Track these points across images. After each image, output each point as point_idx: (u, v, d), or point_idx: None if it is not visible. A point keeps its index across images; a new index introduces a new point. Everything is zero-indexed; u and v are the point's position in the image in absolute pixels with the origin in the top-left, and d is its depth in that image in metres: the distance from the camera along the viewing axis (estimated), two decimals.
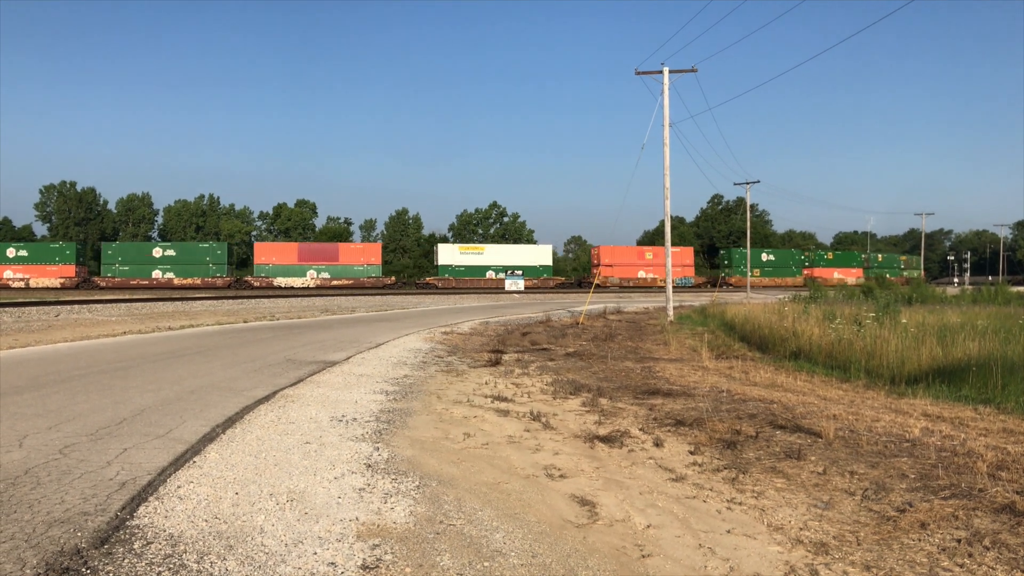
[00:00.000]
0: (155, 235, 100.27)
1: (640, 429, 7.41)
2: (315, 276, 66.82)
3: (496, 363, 12.69)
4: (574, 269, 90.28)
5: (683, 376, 11.78)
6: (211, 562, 3.67)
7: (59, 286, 61.39)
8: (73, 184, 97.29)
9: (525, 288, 67.34)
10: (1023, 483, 5.44)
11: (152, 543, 3.89)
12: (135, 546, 3.85)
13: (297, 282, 65.91)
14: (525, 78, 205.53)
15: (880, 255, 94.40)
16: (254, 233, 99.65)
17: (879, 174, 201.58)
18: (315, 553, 3.84)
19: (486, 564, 3.80)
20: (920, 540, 4.39)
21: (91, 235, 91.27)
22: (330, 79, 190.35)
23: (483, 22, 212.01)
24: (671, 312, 27.53)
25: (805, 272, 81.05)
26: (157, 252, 66.18)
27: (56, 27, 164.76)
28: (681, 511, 4.93)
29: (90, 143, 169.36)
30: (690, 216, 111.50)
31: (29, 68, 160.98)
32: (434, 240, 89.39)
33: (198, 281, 64.61)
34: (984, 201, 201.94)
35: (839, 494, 5.31)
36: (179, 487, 4.88)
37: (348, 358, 12.68)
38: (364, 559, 3.78)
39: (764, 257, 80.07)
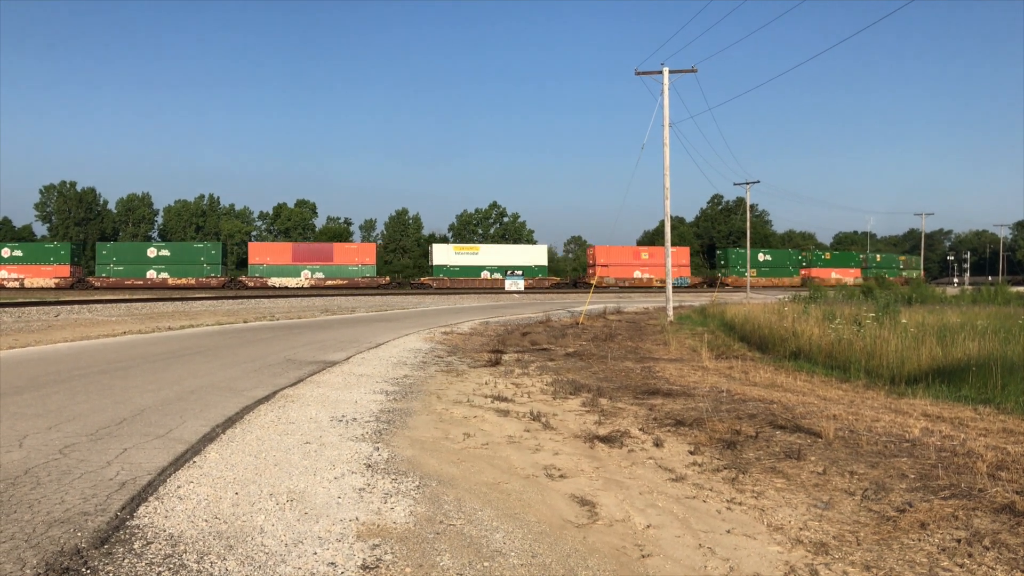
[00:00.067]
0: (155, 235, 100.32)
1: (640, 429, 7.41)
2: (309, 276, 66.79)
3: (496, 363, 12.69)
4: (574, 269, 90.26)
5: (683, 376, 11.78)
6: (211, 562, 3.68)
7: (54, 286, 61.45)
8: (73, 184, 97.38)
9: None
10: (1023, 483, 5.44)
11: (152, 543, 3.90)
12: (135, 546, 3.85)
13: (291, 282, 65.87)
14: (525, 78, 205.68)
15: (879, 255, 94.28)
16: (254, 233, 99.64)
17: (879, 174, 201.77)
18: (315, 553, 3.84)
19: (486, 564, 3.80)
20: (920, 540, 4.39)
21: (91, 235, 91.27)
22: (330, 79, 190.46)
23: (483, 22, 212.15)
24: (671, 312, 27.53)
25: (802, 272, 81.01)
26: (152, 252, 66.22)
27: (56, 27, 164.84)
28: (681, 511, 4.93)
29: (90, 143, 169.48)
30: (690, 216, 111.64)
31: (29, 68, 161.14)
32: (434, 240, 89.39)
33: (192, 281, 64.62)
34: (984, 201, 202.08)
35: (839, 494, 5.31)
36: (179, 487, 4.88)
37: (348, 358, 12.68)
38: (364, 559, 3.78)
39: (761, 257, 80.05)
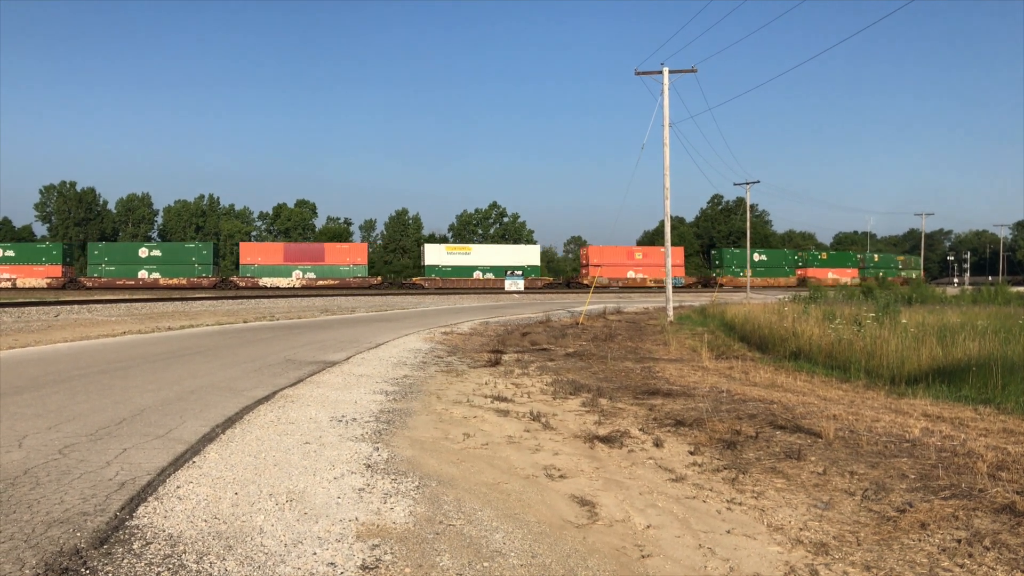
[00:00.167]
0: (155, 235, 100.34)
1: (640, 429, 7.41)
2: (301, 276, 66.69)
3: (496, 363, 12.68)
4: (573, 269, 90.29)
5: (683, 376, 11.78)
6: (210, 562, 3.67)
7: (45, 286, 61.54)
8: (73, 184, 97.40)
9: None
10: (1023, 483, 5.44)
11: (151, 543, 3.89)
12: (134, 546, 3.84)
13: (283, 282, 65.77)
14: (525, 78, 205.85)
15: (877, 255, 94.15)
16: (254, 234, 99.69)
17: (879, 174, 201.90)
18: (314, 553, 3.84)
19: (486, 564, 3.79)
20: (920, 540, 4.39)
21: (91, 235, 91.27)
22: (330, 79, 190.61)
23: (483, 22, 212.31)
24: (671, 312, 27.53)
25: (798, 272, 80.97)
26: (143, 252, 66.23)
27: (56, 27, 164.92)
28: (681, 511, 4.93)
29: (90, 143, 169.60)
30: (690, 216, 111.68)
31: (29, 68, 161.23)
32: (434, 240, 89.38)
33: (184, 281, 64.61)
34: (984, 201, 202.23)
35: (839, 494, 5.31)
36: (178, 487, 4.88)
37: (348, 358, 12.67)
38: (364, 559, 3.78)
39: (756, 257, 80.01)
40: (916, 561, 4.10)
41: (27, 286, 61.42)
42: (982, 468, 5.76)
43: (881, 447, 6.63)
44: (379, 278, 71.65)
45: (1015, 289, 39.06)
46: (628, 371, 12.29)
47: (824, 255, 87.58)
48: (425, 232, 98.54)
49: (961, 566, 4.03)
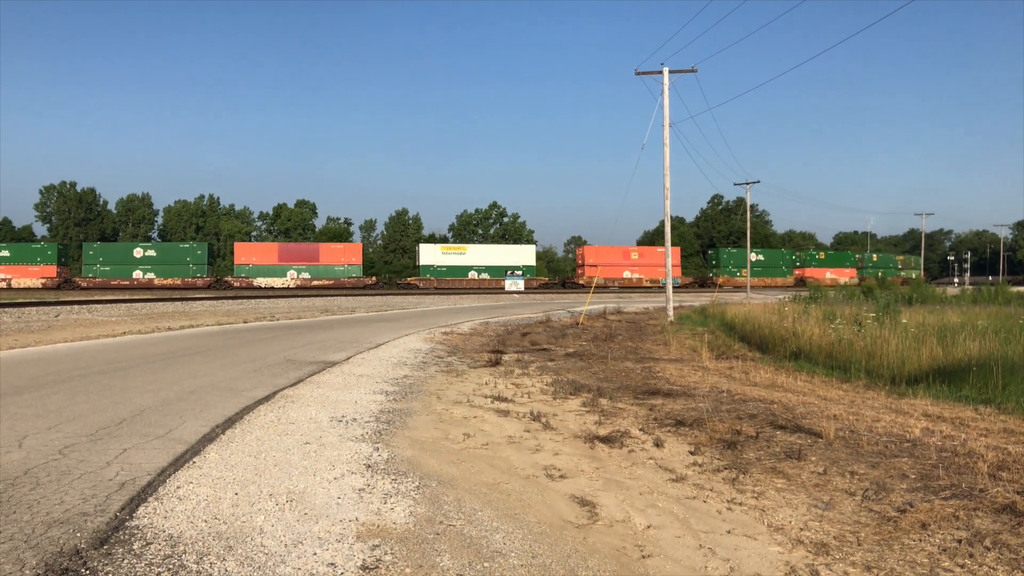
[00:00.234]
0: (155, 235, 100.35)
1: (640, 429, 7.40)
2: (295, 276, 66.62)
3: (496, 363, 12.68)
4: (571, 269, 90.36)
5: (683, 376, 11.77)
6: (210, 563, 3.67)
7: (40, 286, 61.59)
8: (73, 184, 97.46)
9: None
10: (1023, 483, 5.44)
11: (151, 544, 3.89)
12: (134, 547, 3.84)
13: (277, 282, 65.70)
14: (525, 78, 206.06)
15: (876, 255, 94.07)
16: (254, 234, 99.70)
17: (879, 174, 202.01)
18: (315, 554, 3.84)
19: (486, 564, 3.79)
20: (921, 540, 4.39)
21: (91, 236, 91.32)
22: (330, 79, 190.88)
23: (483, 22, 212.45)
24: (671, 312, 27.52)
25: (796, 272, 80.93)
26: (138, 252, 66.22)
27: (56, 27, 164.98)
28: (681, 511, 4.93)
29: (90, 143, 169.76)
30: (690, 216, 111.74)
31: (29, 68, 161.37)
32: (432, 240, 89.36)
33: (178, 281, 64.62)
34: (984, 201, 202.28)
35: (839, 494, 5.31)
36: (179, 487, 4.87)
37: (348, 358, 12.67)
38: (364, 559, 3.77)
39: (753, 257, 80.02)
40: (917, 561, 4.10)
41: (22, 286, 61.50)
42: (983, 468, 5.76)
43: (882, 447, 6.62)
44: (374, 278, 71.61)
45: (1015, 289, 39.05)
46: (628, 371, 12.29)
47: (822, 255, 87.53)
48: (425, 232, 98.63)
49: (962, 566, 4.03)
